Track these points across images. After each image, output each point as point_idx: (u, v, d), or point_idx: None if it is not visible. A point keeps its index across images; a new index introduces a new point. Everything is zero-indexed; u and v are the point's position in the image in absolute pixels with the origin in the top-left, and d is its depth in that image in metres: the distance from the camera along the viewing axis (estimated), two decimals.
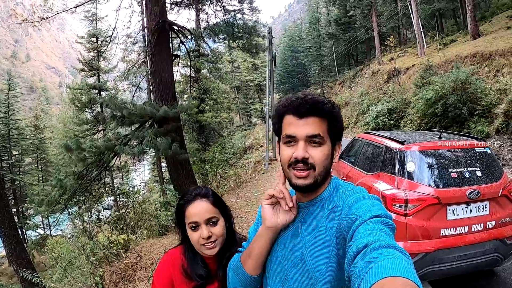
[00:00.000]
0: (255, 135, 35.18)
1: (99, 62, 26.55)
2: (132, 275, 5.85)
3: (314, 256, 1.14)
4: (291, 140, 1.17)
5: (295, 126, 1.16)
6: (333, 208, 1.17)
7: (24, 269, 8.21)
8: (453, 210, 3.80)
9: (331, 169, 1.26)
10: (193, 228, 1.50)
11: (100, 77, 26.67)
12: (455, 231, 3.76)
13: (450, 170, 3.97)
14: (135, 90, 13.59)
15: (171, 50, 10.73)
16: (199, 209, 1.50)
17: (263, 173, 15.36)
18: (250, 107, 51.58)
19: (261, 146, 26.52)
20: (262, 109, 43.78)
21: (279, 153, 1.24)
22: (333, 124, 1.18)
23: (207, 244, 1.48)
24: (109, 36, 13.36)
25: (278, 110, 1.24)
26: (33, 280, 7.13)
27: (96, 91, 25.84)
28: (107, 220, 12.11)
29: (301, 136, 1.15)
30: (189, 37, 11.87)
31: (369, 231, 0.93)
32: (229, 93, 33.74)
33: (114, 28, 12.60)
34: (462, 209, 3.81)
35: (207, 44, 14.20)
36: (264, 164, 16.99)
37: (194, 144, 22.77)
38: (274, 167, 15.88)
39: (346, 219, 1.06)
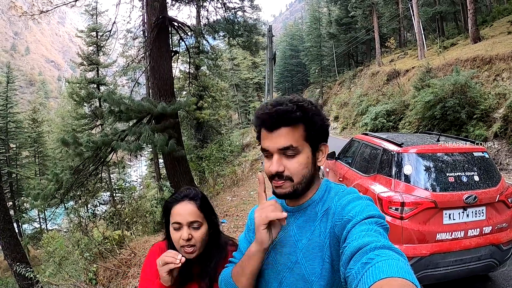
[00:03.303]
0: (253, 133, 34.99)
1: (99, 57, 26.54)
2: (126, 272, 5.83)
3: (309, 259, 1.13)
4: (267, 153, 1.17)
5: (268, 139, 1.15)
6: (326, 210, 1.16)
7: (18, 263, 8.19)
8: (449, 215, 3.78)
9: (319, 172, 1.25)
10: (175, 228, 1.49)
11: (99, 71, 26.65)
12: (451, 236, 3.75)
13: (447, 174, 3.95)
14: (134, 86, 13.53)
15: (171, 46, 10.69)
16: (183, 210, 1.49)
17: (260, 171, 15.34)
18: (249, 105, 51.52)
19: (258, 145, 26.47)
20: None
21: None
22: (310, 129, 1.14)
23: (186, 248, 1.47)
24: (109, 31, 13.28)
25: (255, 122, 1.21)
26: (26, 275, 7.11)
27: (95, 86, 25.83)
28: (103, 215, 12.11)
29: (273, 150, 1.13)
30: (189, 33, 11.84)
31: (363, 232, 0.91)
32: (228, 90, 33.73)
33: (114, 22, 12.51)
34: (459, 213, 3.80)
35: (207, 41, 14.15)
36: (262, 162, 16.95)
37: (191, 141, 22.77)
38: None
39: (339, 220, 1.05)
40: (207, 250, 1.55)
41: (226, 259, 1.50)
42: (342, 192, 1.18)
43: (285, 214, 1.09)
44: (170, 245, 1.55)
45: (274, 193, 1.20)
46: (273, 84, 18.67)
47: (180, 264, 1.37)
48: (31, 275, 7.07)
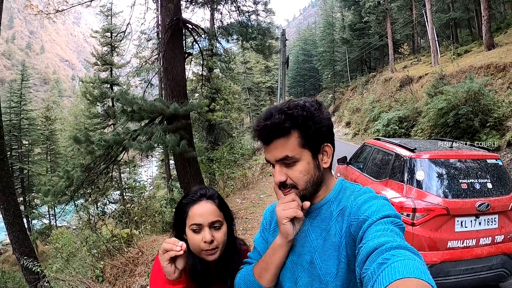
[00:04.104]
0: None
1: (112, 57, 26.76)
2: (133, 270, 5.86)
3: (324, 259, 1.12)
4: (270, 164, 1.20)
5: (266, 151, 1.18)
6: (341, 210, 1.14)
7: (25, 257, 8.27)
8: (461, 222, 3.74)
9: (330, 171, 1.24)
10: (194, 230, 1.41)
11: (113, 72, 26.87)
12: (462, 244, 3.71)
13: (460, 181, 3.91)
14: (147, 86, 13.61)
15: (184, 48, 10.74)
16: (204, 210, 1.42)
17: (270, 175, 15.30)
18: (261, 109, 51.30)
19: None
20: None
21: None
22: (305, 134, 1.13)
23: (209, 251, 1.40)
24: (123, 32, 13.39)
25: (254, 136, 1.23)
26: (33, 269, 7.18)
27: (108, 86, 26.05)
28: (112, 214, 12.18)
29: (273, 161, 1.17)
30: (202, 36, 11.88)
31: (379, 232, 0.91)
32: (241, 94, 33.70)
33: (128, 24, 12.60)
34: (471, 221, 3.75)
35: (220, 43, 14.22)
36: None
37: (203, 143, 22.80)
38: None
39: (355, 220, 1.04)
40: (225, 252, 1.47)
41: (242, 259, 1.47)
42: (358, 192, 1.17)
43: (303, 216, 1.13)
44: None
45: None
46: (286, 89, 18.64)
47: (182, 252, 1.27)
48: (38, 270, 7.13)
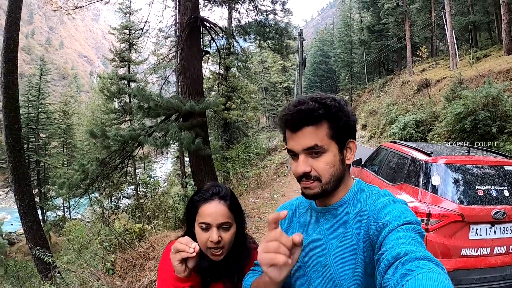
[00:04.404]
0: (279, 137, 34.95)
1: (130, 54, 27.03)
2: (143, 264, 5.91)
3: (339, 262, 1.09)
4: (293, 154, 1.15)
5: (292, 140, 1.13)
6: (359, 211, 1.11)
7: (37, 248, 8.42)
8: (476, 230, 3.67)
9: (349, 171, 1.21)
10: (203, 228, 1.39)
11: (131, 68, 27.15)
12: (476, 252, 3.63)
13: (476, 187, 3.83)
14: (163, 83, 13.74)
15: (202, 46, 10.79)
16: (214, 211, 1.39)
17: (284, 175, 15.32)
18: (277, 109, 51.35)
19: (285, 149, 26.34)
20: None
21: None
22: (335, 126, 1.10)
23: (214, 250, 1.38)
24: (141, 29, 13.51)
25: (279, 124, 1.19)
26: (45, 259, 7.30)
27: (126, 82, 26.36)
28: (126, 208, 12.31)
29: (298, 150, 1.11)
30: (220, 34, 11.91)
31: (401, 240, 0.88)
32: (257, 93, 33.73)
33: (146, 21, 12.72)
34: (486, 229, 3.68)
35: (237, 42, 14.23)
36: (287, 166, 16.89)
37: (218, 141, 22.90)
38: None
39: (374, 224, 1.01)
40: (233, 249, 1.46)
41: (250, 256, 1.47)
42: (377, 194, 1.14)
43: (288, 260, 0.90)
44: None
45: (303, 194, 1.17)
46: (302, 89, 18.56)
47: (194, 254, 1.27)
48: (50, 260, 7.25)
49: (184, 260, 1.30)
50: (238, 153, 18.90)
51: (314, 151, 1.10)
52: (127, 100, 24.11)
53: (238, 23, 12.77)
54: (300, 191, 1.19)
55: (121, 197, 14.47)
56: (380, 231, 0.97)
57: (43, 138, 32.66)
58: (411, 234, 0.91)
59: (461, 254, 3.62)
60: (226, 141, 22.71)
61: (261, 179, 14.40)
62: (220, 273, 1.46)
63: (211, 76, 21.94)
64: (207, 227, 1.39)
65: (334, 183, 1.13)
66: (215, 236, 1.36)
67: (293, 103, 1.13)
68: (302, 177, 1.12)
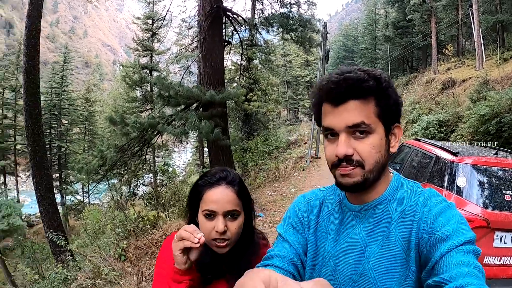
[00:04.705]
0: (300, 131, 34.79)
1: (153, 44, 27.27)
2: (155, 252, 5.92)
3: (382, 272, 0.91)
4: (331, 133, 0.94)
5: (332, 115, 0.92)
6: (402, 211, 0.95)
7: (51, 231, 8.56)
8: (501, 237, 3.46)
9: (387, 162, 1.00)
10: (207, 216, 1.25)
11: (153, 58, 27.42)
12: (499, 261, 3.43)
13: (503, 192, 3.62)
14: (184, 73, 13.75)
15: (224, 36, 10.74)
16: (221, 197, 1.25)
17: (303, 169, 15.17)
18: (298, 103, 51.13)
19: (304, 143, 26.20)
20: (310, 106, 43.40)
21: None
22: (384, 103, 0.92)
23: (219, 241, 1.24)
24: (163, 19, 13.55)
25: (314, 97, 1.00)
26: (57, 242, 7.41)
27: (148, 71, 26.59)
28: (142, 195, 12.42)
29: (340, 128, 0.91)
30: (243, 25, 11.85)
31: (464, 268, 0.75)
32: (279, 86, 33.55)
33: (168, 11, 12.76)
34: (511, 237, 3.49)
35: (260, 34, 14.14)
36: (306, 161, 16.74)
37: (238, 132, 22.86)
38: (315, 165, 15.64)
39: (428, 233, 0.86)
40: (239, 242, 1.31)
41: (258, 253, 1.31)
42: (423, 193, 0.97)
43: None
44: None
45: (337, 184, 0.97)
46: None
47: (198, 244, 1.10)
48: (62, 243, 7.36)
49: (186, 250, 1.14)
50: (258, 145, 18.82)
51: (359, 130, 0.91)
52: (149, 89, 24.32)
53: (261, 14, 12.69)
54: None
55: (139, 184, 14.62)
56: (435, 245, 0.83)
57: (65, 124, 33.39)
58: (473, 261, 0.78)
59: (484, 262, 3.40)
60: (246, 132, 22.62)
61: (279, 172, 14.30)
62: (222, 269, 1.33)
63: (233, 67, 21.86)
64: (212, 215, 1.25)
65: (377, 172, 0.95)
66: (221, 225, 1.22)
67: (337, 72, 0.94)
68: (342, 161, 0.92)
